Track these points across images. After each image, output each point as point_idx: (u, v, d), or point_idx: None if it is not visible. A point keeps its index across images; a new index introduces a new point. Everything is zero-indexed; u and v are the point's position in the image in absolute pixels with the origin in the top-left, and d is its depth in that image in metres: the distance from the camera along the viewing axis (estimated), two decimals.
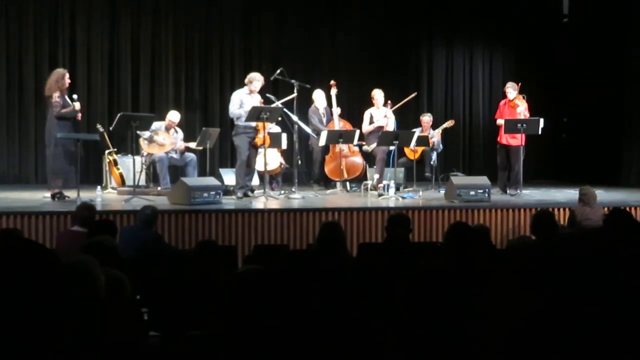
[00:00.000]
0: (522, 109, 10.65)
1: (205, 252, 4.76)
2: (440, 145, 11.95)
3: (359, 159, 11.24)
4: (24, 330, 2.29)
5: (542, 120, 10.41)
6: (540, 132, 10.46)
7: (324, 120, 11.29)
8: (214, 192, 8.97)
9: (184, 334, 3.07)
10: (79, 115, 9.33)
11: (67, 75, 9.36)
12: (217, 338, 2.81)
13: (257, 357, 2.57)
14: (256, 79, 10.00)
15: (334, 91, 11.25)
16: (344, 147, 10.98)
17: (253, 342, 2.58)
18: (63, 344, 2.49)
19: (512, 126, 10.39)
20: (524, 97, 10.77)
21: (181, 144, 10.70)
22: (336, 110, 11.28)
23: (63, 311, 2.42)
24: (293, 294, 2.63)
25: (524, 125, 10.34)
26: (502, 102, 11.00)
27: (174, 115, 10.81)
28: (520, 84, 10.77)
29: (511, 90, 10.81)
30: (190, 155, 10.62)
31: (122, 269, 4.03)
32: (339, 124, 11.24)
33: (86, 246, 4.29)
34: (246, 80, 10.12)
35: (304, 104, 11.14)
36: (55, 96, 9.06)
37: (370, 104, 11.37)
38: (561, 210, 9.01)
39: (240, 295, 2.66)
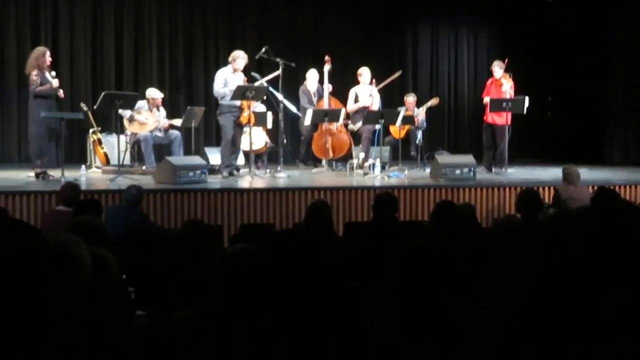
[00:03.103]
0: (507, 88, 10.67)
1: (192, 232, 4.73)
2: (424, 124, 11.95)
3: (346, 138, 11.23)
4: (10, 311, 2.29)
5: (527, 99, 10.43)
6: (525, 111, 10.49)
7: (315, 100, 11.24)
8: (199, 171, 8.94)
9: (170, 314, 3.07)
10: (61, 92, 9.23)
11: (48, 53, 9.25)
12: (204, 318, 2.80)
13: (245, 338, 2.57)
14: (240, 57, 9.94)
15: (327, 67, 11.18)
16: (331, 126, 10.96)
17: (241, 323, 2.58)
18: (49, 324, 2.49)
19: (498, 105, 10.42)
20: (510, 76, 10.79)
21: (165, 122, 10.62)
22: (327, 87, 11.22)
23: (49, 292, 2.41)
24: (282, 274, 2.63)
25: (509, 104, 10.38)
26: (489, 81, 11.01)
27: (154, 92, 10.70)
28: (507, 60, 10.77)
29: (497, 68, 10.82)
30: (175, 133, 10.54)
31: (108, 248, 4.02)
32: (328, 103, 11.19)
33: (72, 226, 4.25)
34: (230, 59, 10.05)
35: (289, 83, 11.10)
36: (33, 74, 8.97)
37: (355, 82, 11.33)
38: (546, 188, 9.05)
39: (228, 275, 2.65)
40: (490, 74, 11.04)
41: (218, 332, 2.73)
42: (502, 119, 10.56)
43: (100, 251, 3.24)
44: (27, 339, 2.43)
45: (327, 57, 11.22)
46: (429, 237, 4.27)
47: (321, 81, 11.30)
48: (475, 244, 4.11)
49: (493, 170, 10.69)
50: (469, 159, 9.77)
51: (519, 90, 10.96)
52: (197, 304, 3.01)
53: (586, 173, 9.82)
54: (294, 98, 11.31)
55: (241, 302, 2.61)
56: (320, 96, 11.30)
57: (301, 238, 3.47)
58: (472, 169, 9.52)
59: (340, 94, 11.63)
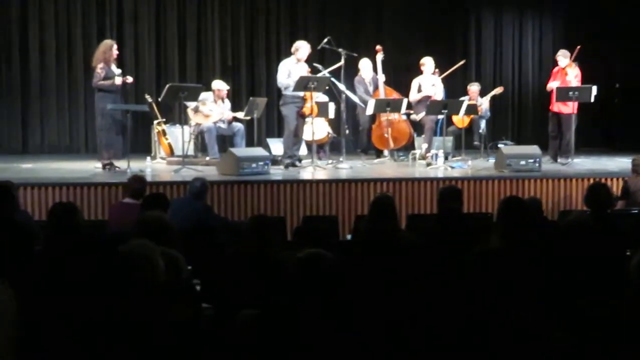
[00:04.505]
0: (571, 77, 10.44)
1: (258, 227, 4.74)
2: (488, 113, 11.78)
3: (405, 127, 11.13)
4: (89, 316, 2.37)
5: (594, 88, 10.17)
6: (592, 100, 10.25)
7: (371, 89, 11.17)
8: (262, 163, 8.99)
9: (238, 311, 3.08)
10: (129, 78, 9.35)
11: (115, 47, 9.39)
12: (274, 320, 2.80)
13: (314, 341, 2.57)
14: (302, 47, 9.95)
15: (379, 56, 11.09)
16: (390, 116, 10.88)
17: (311, 327, 2.58)
18: (127, 327, 2.55)
19: (564, 94, 10.20)
20: (576, 64, 10.54)
21: (229, 114, 10.70)
22: (381, 77, 11.14)
23: (126, 297, 2.48)
24: (356, 280, 2.63)
25: (576, 92, 10.15)
26: (555, 69, 10.79)
27: (220, 84, 10.78)
28: (580, 47, 10.50)
29: (561, 58, 10.60)
30: (238, 125, 10.62)
31: (175, 243, 4.07)
32: (384, 92, 11.11)
33: (141, 221, 4.30)
34: (292, 49, 10.07)
35: (351, 73, 11.05)
36: (99, 67, 9.11)
37: (417, 72, 11.22)
38: (614, 180, 8.85)
39: (302, 281, 2.65)
40: (555, 61, 10.81)
41: (285, 334, 2.74)
42: (569, 108, 10.34)
43: (171, 253, 3.30)
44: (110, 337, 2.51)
45: (378, 47, 11.13)
46: (497, 236, 4.22)
47: (375, 70, 11.22)
48: (545, 246, 4.05)
49: (558, 160, 10.49)
50: (534, 149, 9.60)
51: (585, 77, 10.69)
52: (264, 303, 3.02)
53: None
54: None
55: (312, 307, 2.62)
56: (375, 85, 11.22)
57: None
58: (538, 159, 9.36)
59: (402, 84, 11.54)
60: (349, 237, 6.92)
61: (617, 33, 13.65)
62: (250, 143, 10.56)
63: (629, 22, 13.49)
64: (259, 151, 9.52)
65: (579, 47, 10.53)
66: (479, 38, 14.12)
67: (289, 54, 10.19)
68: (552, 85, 10.55)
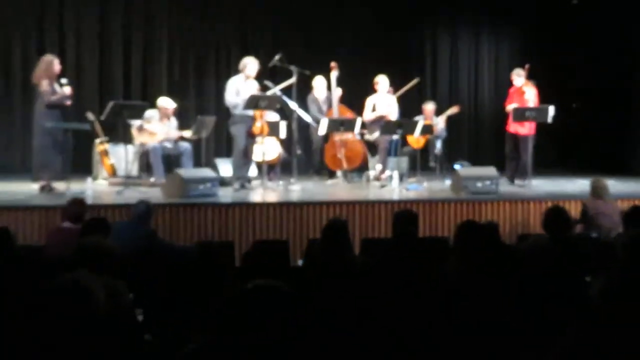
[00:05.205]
0: (530, 96, 10.33)
1: (205, 253, 4.55)
2: (444, 132, 11.62)
3: (359, 147, 10.89)
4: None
5: (551, 108, 10.05)
6: (550, 120, 10.12)
7: (324, 108, 10.95)
8: (210, 184, 8.79)
9: (182, 344, 2.84)
10: (69, 101, 9.01)
11: (57, 62, 9.04)
12: (221, 354, 2.59)
13: None
14: (249, 63, 9.77)
15: (334, 74, 10.88)
16: (343, 136, 10.64)
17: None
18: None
19: (521, 114, 10.06)
20: (533, 83, 10.45)
21: (175, 133, 10.39)
22: (336, 92, 10.89)
23: (65, 331, 2.25)
24: (306, 312, 2.44)
25: (533, 113, 10.03)
26: (512, 89, 10.67)
27: (166, 102, 10.48)
28: (528, 66, 10.42)
29: (516, 77, 10.51)
30: (185, 145, 10.31)
31: (117, 269, 3.91)
32: (337, 111, 10.87)
33: (81, 247, 4.11)
34: (240, 66, 9.88)
35: (303, 91, 10.82)
36: (44, 84, 8.77)
37: (372, 90, 11.03)
38: (572, 202, 8.71)
39: (248, 314, 2.46)
40: (512, 82, 10.70)
41: None
42: (525, 129, 10.23)
43: (111, 281, 3.16)
44: None
45: (332, 64, 10.93)
46: (454, 261, 4.09)
47: (329, 88, 11.00)
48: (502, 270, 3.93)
49: (516, 182, 10.36)
50: (491, 171, 9.52)
51: (543, 97, 10.59)
52: (209, 336, 2.79)
53: (614, 185, 9.44)
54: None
55: (259, 340, 2.44)
56: (329, 104, 11.00)
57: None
58: (495, 181, 9.24)
59: (356, 103, 11.33)
60: (300, 262, 6.67)
61: (574, 53, 13.70)
62: (198, 163, 10.24)
63: (584, 42, 13.53)
64: (206, 172, 9.27)
65: (527, 65, 10.45)
66: (435, 56, 14.13)
67: (239, 71, 9.91)
68: (512, 106, 10.39)
